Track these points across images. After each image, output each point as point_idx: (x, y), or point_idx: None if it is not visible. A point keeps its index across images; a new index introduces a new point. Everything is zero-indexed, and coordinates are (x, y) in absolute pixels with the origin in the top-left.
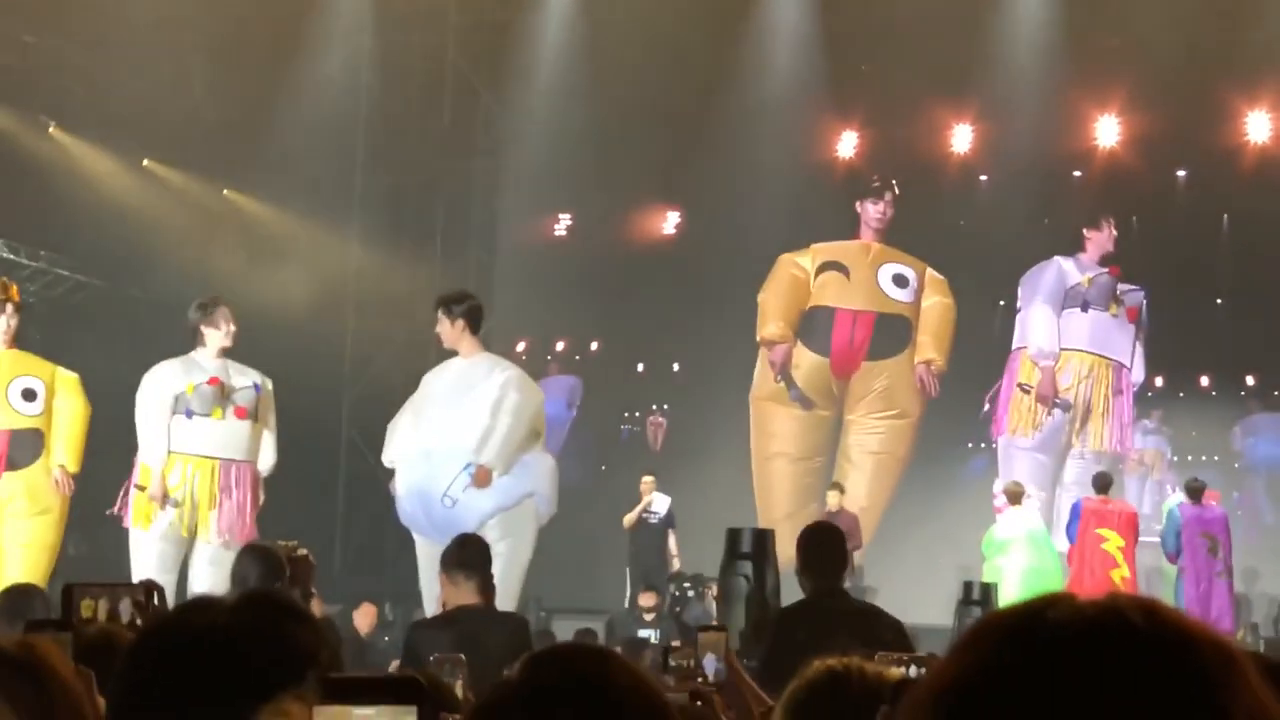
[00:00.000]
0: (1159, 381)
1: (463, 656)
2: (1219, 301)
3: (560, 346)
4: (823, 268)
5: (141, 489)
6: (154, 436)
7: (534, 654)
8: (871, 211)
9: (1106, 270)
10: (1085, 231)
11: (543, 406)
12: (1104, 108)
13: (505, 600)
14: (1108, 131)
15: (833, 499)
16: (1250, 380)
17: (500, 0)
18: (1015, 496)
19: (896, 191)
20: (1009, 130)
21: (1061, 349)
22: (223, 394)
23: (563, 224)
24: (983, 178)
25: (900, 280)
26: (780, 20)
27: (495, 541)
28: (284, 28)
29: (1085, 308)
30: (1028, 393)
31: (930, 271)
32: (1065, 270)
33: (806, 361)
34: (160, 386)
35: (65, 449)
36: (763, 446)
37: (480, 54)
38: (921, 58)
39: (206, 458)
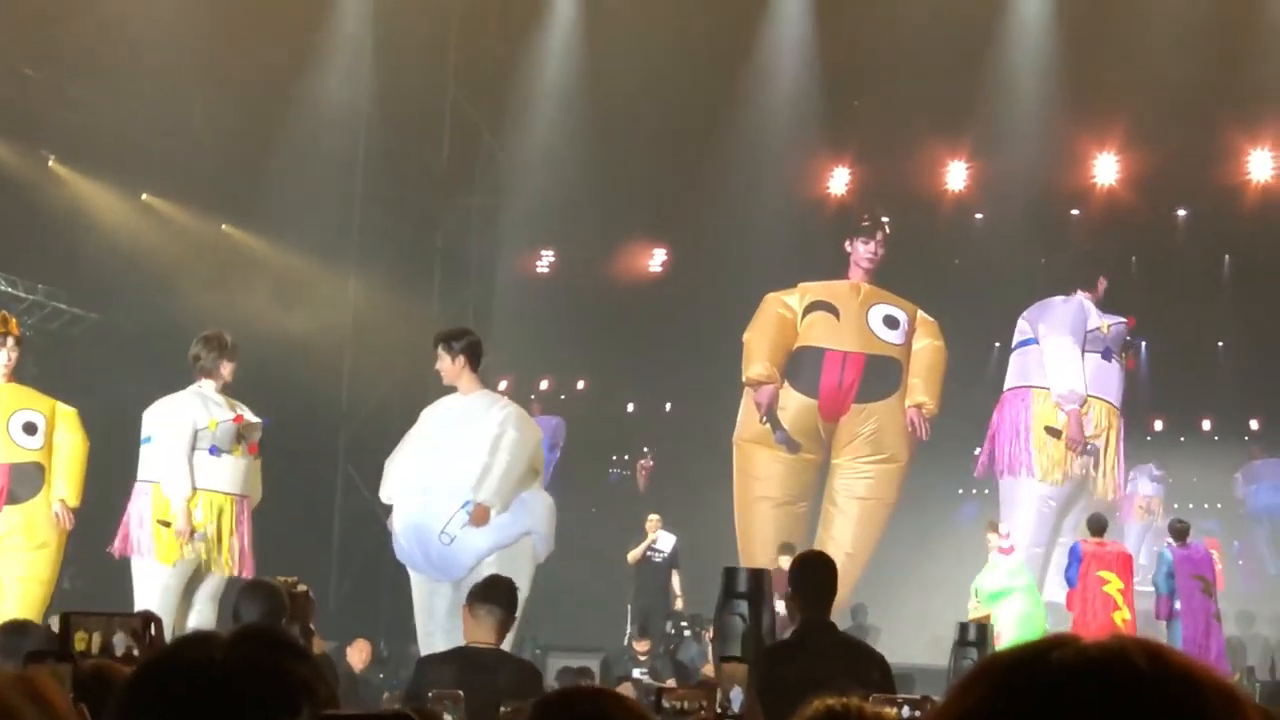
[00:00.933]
0: (1159, 425)
1: (461, 693)
2: (1220, 344)
3: (545, 385)
4: (811, 307)
5: (166, 525)
6: (179, 472)
7: (543, 698)
8: (861, 251)
9: (1124, 320)
10: (1101, 277)
11: (541, 444)
12: (1102, 145)
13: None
14: (1106, 169)
15: (785, 562)
16: (1254, 424)
17: (500, 36)
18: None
19: (887, 230)
20: (1005, 167)
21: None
22: (242, 431)
23: (545, 260)
24: (978, 216)
25: (891, 321)
26: (778, 56)
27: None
28: (283, 63)
29: (1107, 356)
30: (1056, 437)
31: (921, 314)
32: (1087, 310)
33: (794, 403)
34: (182, 421)
35: (66, 483)
36: (746, 490)
37: (480, 90)
38: (916, 93)
39: (227, 494)
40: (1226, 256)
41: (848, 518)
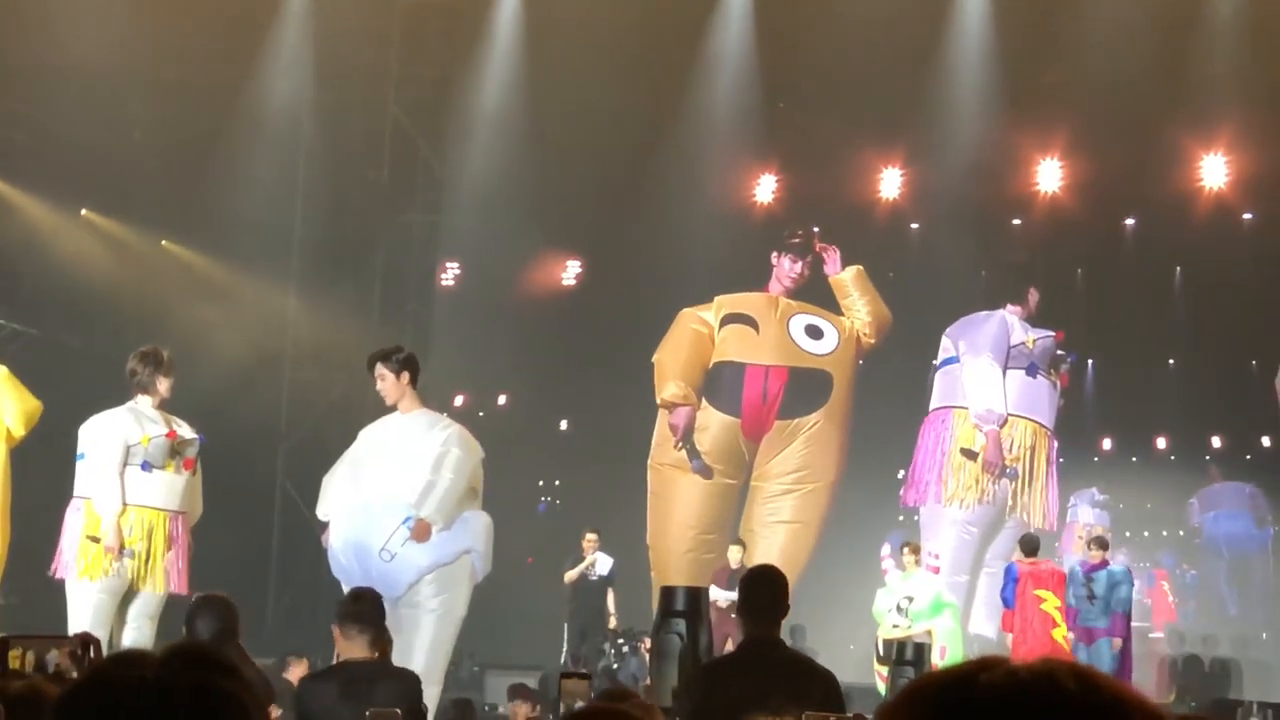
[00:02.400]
0: (1107, 444)
1: (399, 711)
2: (1171, 362)
3: (459, 401)
4: (727, 320)
5: (95, 540)
6: (109, 487)
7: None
8: (787, 268)
9: (1052, 334)
10: (1031, 289)
11: (481, 464)
12: (1045, 150)
13: (439, 655)
14: (1049, 176)
15: (734, 554)
16: (1216, 442)
17: (442, 54)
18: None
19: (818, 249)
20: (942, 174)
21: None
22: (176, 447)
23: (450, 273)
24: (914, 226)
25: (814, 331)
26: (717, 73)
27: (431, 597)
28: (223, 80)
29: (1032, 372)
30: (973, 459)
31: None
32: (1010, 325)
33: (714, 423)
34: (114, 436)
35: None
36: (662, 517)
37: (420, 108)
38: (848, 95)
39: (160, 510)
40: (1178, 268)
41: (771, 544)
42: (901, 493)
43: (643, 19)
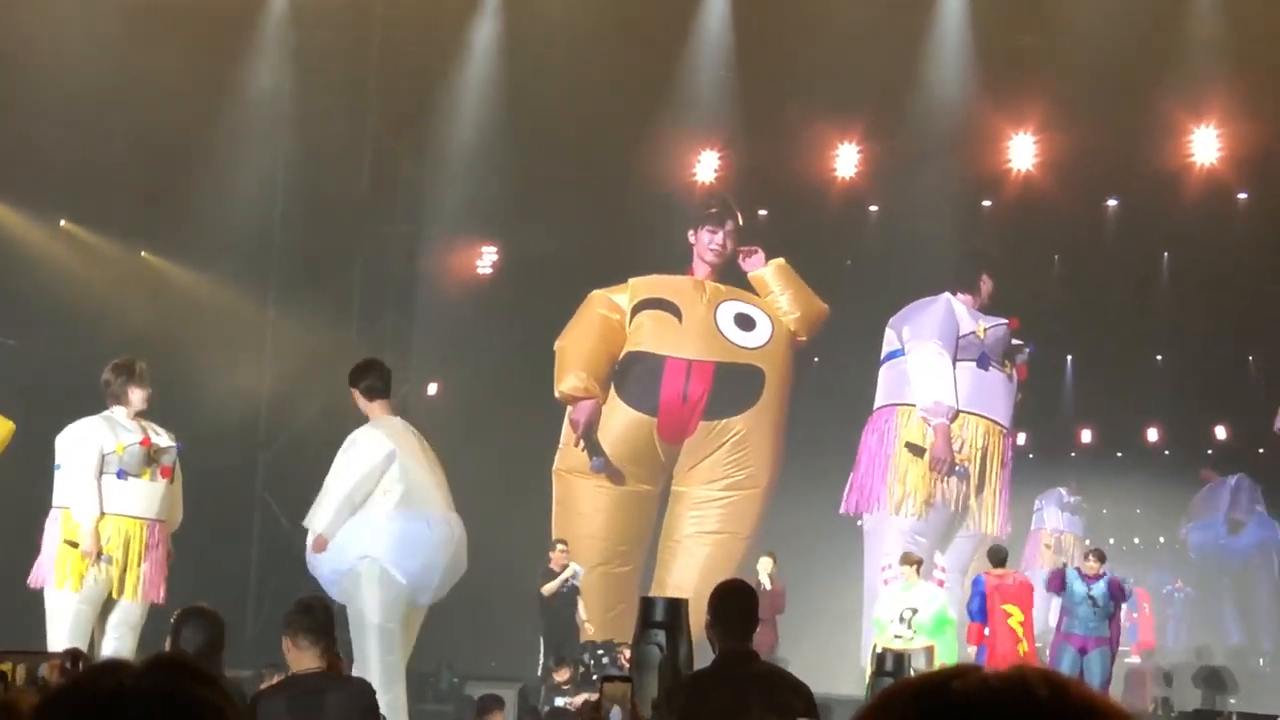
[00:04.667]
0: (1086, 437)
1: None
2: (1159, 358)
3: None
4: (643, 305)
5: (73, 545)
6: (87, 494)
7: None
8: (706, 242)
9: (1005, 321)
10: (984, 276)
11: (387, 462)
12: (1018, 124)
13: (368, 665)
14: (1022, 152)
15: (764, 567)
16: (1221, 433)
17: (420, 66)
18: (918, 565)
19: (739, 222)
20: (904, 150)
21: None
22: (151, 455)
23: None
24: (873, 208)
25: (745, 321)
26: (696, 82)
27: (342, 607)
28: (203, 90)
29: (984, 364)
30: (919, 455)
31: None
32: (957, 313)
33: (623, 421)
34: (89, 444)
35: None
36: (567, 527)
37: (399, 119)
38: (801, 63)
39: (136, 519)
40: (1165, 253)
41: (693, 556)
42: (842, 500)
43: (622, 25)
